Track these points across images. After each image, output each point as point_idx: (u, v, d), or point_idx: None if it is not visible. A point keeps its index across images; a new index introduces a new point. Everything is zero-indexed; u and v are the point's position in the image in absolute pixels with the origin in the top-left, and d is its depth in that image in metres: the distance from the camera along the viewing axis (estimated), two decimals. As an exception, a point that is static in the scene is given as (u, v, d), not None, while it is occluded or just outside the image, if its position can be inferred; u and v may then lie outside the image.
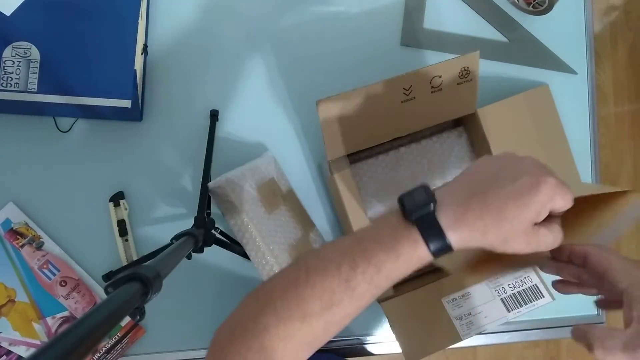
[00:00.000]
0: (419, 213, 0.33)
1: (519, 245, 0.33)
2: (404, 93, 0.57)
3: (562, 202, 0.33)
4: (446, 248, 0.33)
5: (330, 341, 0.70)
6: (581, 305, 0.72)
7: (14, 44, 0.63)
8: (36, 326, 0.66)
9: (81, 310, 0.66)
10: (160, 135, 0.70)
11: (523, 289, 0.62)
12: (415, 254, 0.33)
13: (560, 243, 0.34)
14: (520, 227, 0.32)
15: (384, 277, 0.33)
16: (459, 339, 0.59)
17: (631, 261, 0.37)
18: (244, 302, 0.37)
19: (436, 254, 0.33)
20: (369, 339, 0.72)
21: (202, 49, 0.71)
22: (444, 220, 0.33)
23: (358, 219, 0.62)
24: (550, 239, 0.33)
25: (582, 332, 0.35)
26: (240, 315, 0.37)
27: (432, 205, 0.33)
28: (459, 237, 0.33)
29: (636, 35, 1.63)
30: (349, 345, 0.71)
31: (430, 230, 0.32)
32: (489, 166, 0.35)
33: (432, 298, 0.61)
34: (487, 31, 0.76)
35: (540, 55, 0.76)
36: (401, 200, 0.34)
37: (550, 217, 0.34)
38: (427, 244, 0.33)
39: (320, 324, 0.34)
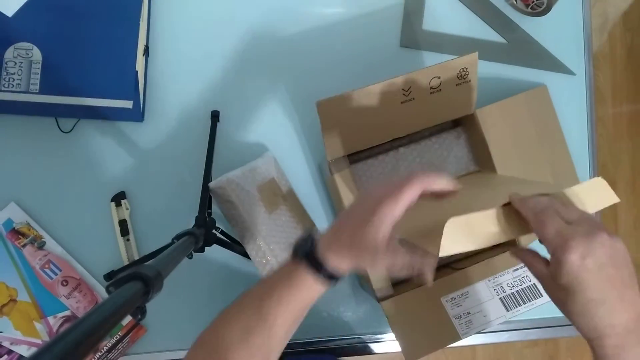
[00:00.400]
0: (303, 251, 0.41)
1: (382, 262, 0.40)
2: (403, 94, 0.58)
3: (401, 203, 0.39)
4: (330, 274, 0.40)
5: (330, 340, 0.71)
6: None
7: (15, 44, 0.63)
8: (38, 325, 0.66)
9: (82, 309, 0.67)
10: (161, 136, 0.70)
11: (522, 288, 0.62)
12: (304, 282, 0.41)
13: (397, 264, 0.41)
14: (372, 246, 0.39)
15: (283, 307, 0.40)
16: (458, 338, 0.60)
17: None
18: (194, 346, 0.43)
19: (326, 279, 0.41)
20: (370, 337, 0.72)
21: (203, 50, 0.72)
22: (319, 253, 0.41)
23: (358, 218, 0.62)
24: (393, 260, 0.40)
25: (517, 253, 0.44)
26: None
27: (313, 242, 0.41)
28: (334, 264, 0.40)
29: (634, 36, 1.63)
30: (349, 344, 0.72)
31: (315, 261, 0.40)
32: (352, 206, 0.43)
33: (432, 297, 0.61)
34: (486, 32, 0.77)
35: (538, 56, 0.77)
36: (293, 249, 0.43)
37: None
38: (316, 273, 0.40)
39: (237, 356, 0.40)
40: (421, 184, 0.40)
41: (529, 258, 0.42)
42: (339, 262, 0.40)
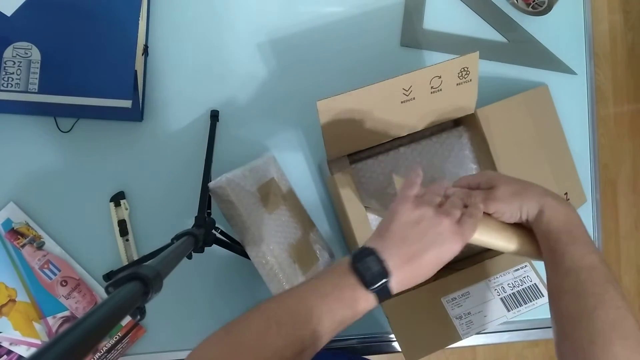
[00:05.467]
0: (377, 286, 0.41)
1: (430, 275, 0.45)
2: (403, 93, 0.57)
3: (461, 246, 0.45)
4: (386, 299, 0.43)
5: (342, 339, 0.71)
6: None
7: (14, 44, 0.63)
8: (37, 326, 0.66)
9: (82, 310, 0.67)
10: (160, 136, 0.70)
11: (522, 289, 0.62)
12: (368, 308, 0.42)
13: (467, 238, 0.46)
14: (433, 272, 0.45)
15: (341, 326, 0.42)
16: (459, 339, 0.59)
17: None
18: (210, 349, 0.39)
19: (379, 303, 0.43)
20: (370, 337, 0.72)
21: (203, 49, 0.72)
22: (391, 285, 0.42)
23: (358, 219, 0.62)
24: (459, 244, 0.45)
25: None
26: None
27: (387, 278, 0.41)
28: (398, 289, 0.43)
29: (635, 35, 1.63)
30: (349, 345, 0.71)
31: (383, 293, 0.42)
32: (415, 224, 0.44)
33: (432, 297, 0.61)
34: (487, 32, 0.76)
35: (539, 56, 0.76)
36: (358, 269, 0.42)
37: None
38: (378, 300, 0.42)
39: None
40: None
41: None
42: (399, 288, 0.43)
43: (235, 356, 0.38)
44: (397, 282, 0.42)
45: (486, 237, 0.49)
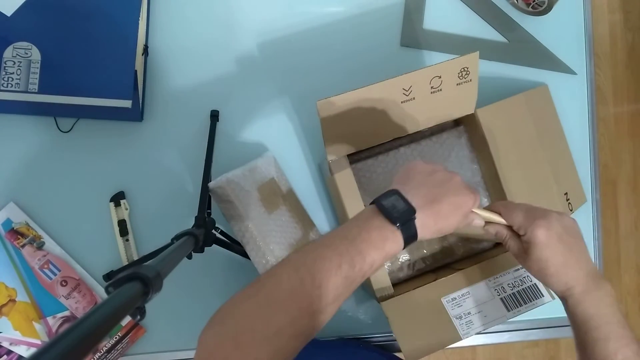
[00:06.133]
0: (403, 221, 0.41)
1: (452, 227, 0.45)
2: (403, 93, 0.57)
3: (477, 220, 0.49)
4: (412, 241, 0.43)
5: (330, 340, 0.71)
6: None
7: (14, 44, 0.63)
8: (37, 326, 0.66)
9: (82, 310, 0.67)
10: (160, 136, 0.70)
11: (522, 289, 0.62)
12: (396, 249, 0.42)
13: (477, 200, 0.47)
14: (457, 222, 0.45)
15: (371, 269, 0.41)
16: (459, 339, 0.59)
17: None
18: (241, 306, 0.39)
19: (405, 246, 0.43)
20: (370, 337, 0.72)
21: (203, 49, 0.72)
22: (417, 223, 0.42)
23: (358, 218, 0.62)
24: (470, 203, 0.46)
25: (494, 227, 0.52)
26: (240, 319, 0.37)
27: (414, 215, 0.42)
28: (422, 234, 0.43)
29: (635, 35, 1.63)
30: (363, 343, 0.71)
31: (410, 232, 0.42)
32: (429, 175, 0.46)
33: (432, 297, 0.61)
34: (487, 32, 0.76)
35: (539, 56, 0.76)
36: (384, 207, 0.42)
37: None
38: (404, 240, 0.42)
39: (324, 317, 0.39)
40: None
41: (503, 232, 0.51)
42: (423, 232, 0.43)
43: (269, 312, 0.37)
44: (421, 224, 0.42)
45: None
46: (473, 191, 0.46)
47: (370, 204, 0.44)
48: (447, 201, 0.44)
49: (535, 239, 0.47)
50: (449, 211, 0.44)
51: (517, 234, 0.50)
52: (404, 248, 0.42)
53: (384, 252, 0.41)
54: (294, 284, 0.38)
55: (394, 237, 0.41)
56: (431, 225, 0.43)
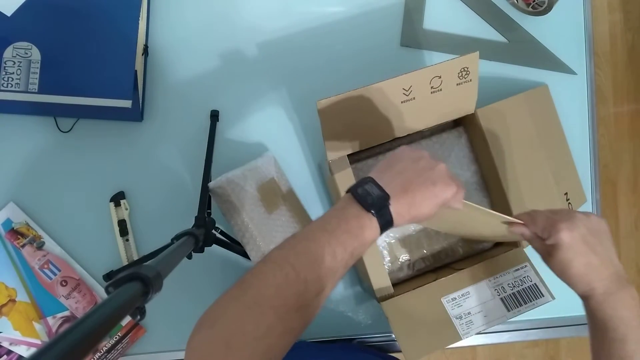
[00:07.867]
0: (377, 208, 0.42)
1: (427, 216, 0.45)
2: (403, 93, 0.57)
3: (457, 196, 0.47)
4: (388, 228, 0.44)
5: (330, 341, 0.71)
6: (581, 304, 0.72)
7: (14, 44, 0.63)
8: (37, 326, 0.66)
9: (82, 310, 0.67)
10: (160, 136, 0.70)
11: (523, 289, 0.62)
12: (374, 235, 0.43)
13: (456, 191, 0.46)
14: (431, 211, 0.45)
15: (353, 258, 0.42)
16: (459, 339, 0.59)
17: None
18: (229, 308, 0.38)
19: (382, 232, 0.44)
20: (370, 337, 0.72)
21: (203, 50, 0.72)
22: (391, 209, 0.43)
23: (358, 218, 0.62)
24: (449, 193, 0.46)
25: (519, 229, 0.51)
26: (229, 322, 0.37)
27: (388, 201, 0.43)
28: (397, 221, 0.44)
29: (635, 35, 1.63)
30: (363, 343, 0.71)
31: (385, 219, 0.43)
32: (412, 162, 0.46)
33: (432, 297, 0.61)
34: (487, 32, 0.76)
35: (539, 56, 0.76)
36: (358, 194, 0.43)
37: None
38: (381, 228, 0.43)
39: (313, 310, 0.40)
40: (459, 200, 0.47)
41: (528, 233, 0.51)
42: (398, 219, 0.43)
43: (258, 313, 0.37)
44: (396, 211, 0.43)
45: (474, 208, 0.50)
46: (454, 182, 0.46)
47: (346, 192, 0.44)
48: (423, 190, 0.44)
49: (557, 242, 0.47)
50: (423, 200, 0.44)
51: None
52: (380, 234, 0.43)
53: (363, 240, 0.42)
54: (279, 281, 0.38)
55: (371, 224, 0.42)
56: (405, 212, 0.44)
